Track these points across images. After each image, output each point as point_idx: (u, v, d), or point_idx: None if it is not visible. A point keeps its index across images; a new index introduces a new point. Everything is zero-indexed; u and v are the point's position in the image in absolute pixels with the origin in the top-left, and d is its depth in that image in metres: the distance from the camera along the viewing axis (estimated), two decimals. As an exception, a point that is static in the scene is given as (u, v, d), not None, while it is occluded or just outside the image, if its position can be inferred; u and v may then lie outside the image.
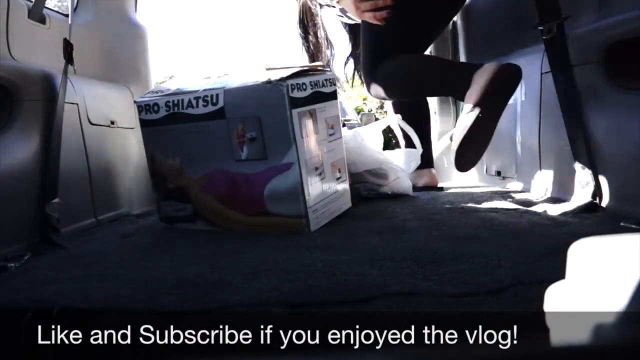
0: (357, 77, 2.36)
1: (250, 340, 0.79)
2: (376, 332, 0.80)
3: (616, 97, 1.45)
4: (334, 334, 0.80)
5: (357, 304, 0.82)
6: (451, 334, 0.79)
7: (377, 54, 1.88)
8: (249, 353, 0.78)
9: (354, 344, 0.78)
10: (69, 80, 1.68)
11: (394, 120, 2.18)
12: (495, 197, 1.87)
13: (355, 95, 10.17)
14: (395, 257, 1.04)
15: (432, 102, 3.18)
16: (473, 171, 2.54)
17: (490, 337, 0.78)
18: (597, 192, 1.46)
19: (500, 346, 0.30)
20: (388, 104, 4.30)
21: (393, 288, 0.85)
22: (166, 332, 0.80)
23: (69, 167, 1.60)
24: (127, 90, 2.27)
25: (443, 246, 1.11)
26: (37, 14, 1.78)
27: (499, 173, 2.25)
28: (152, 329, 0.81)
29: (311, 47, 2.23)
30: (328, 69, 1.78)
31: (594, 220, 1.31)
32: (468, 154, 1.75)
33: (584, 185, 1.49)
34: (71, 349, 0.81)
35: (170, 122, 1.38)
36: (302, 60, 2.26)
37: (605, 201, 1.45)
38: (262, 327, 0.80)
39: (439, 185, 2.28)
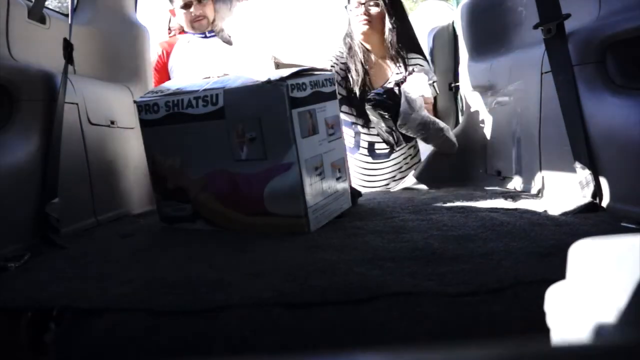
0: None
1: (250, 340, 0.79)
2: (376, 332, 0.80)
3: (616, 97, 1.45)
4: (334, 334, 0.80)
5: (357, 304, 0.82)
6: (451, 334, 0.78)
7: None
8: (249, 353, 0.78)
9: (354, 344, 0.78)
10: (69, 80, 1.68)
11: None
12: (495, 197, 1.87)
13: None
14: (396, 257, 1.04)
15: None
16: (473, 171, 2.54)
17: (490, 337, 0.78)
18: (597, 192, 1.45)
19: (501, 346, 0.30)
20: None
21: (393, 288, 0.85)
22: (166, 332, 0.80)
23: (69, 167, 1.60)
24: (127, 90, 2.27)
25: (443, 246, 1.11)
26: (37, 14, 1.78)
27: (499, 173, 2.25)
28: (152, 329, 0.80)
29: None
30: (328, 69, 1.78)
31: (594, 220, 1.31)
32: None
33: (584, 185, 1.49)
34: (71, 348, 0.81)
35: (170, 122, 1.37)
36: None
37: (605, 201, 1.45)
38: (262, 327, 0.80)
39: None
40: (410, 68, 2.19)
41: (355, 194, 1.86)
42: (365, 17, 2.22)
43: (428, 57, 2.64)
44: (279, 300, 0.83)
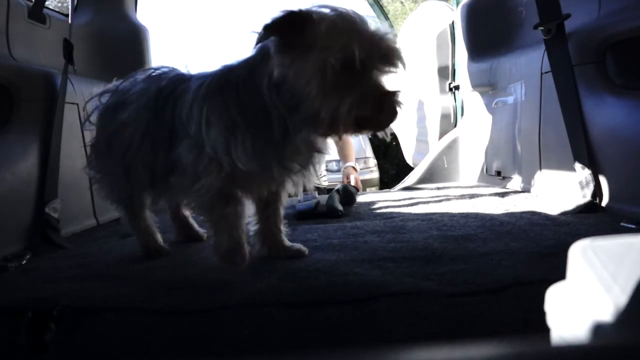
0: None
1: (250, 340, 0.79)
2: (376, 332, 0.80)
3: (616, 97, 1.45)
4: (334, 334, 0.80)
5: (357, 304, 0.82)
6: (451, 334, 0.78)
7: None
8: (249, 353, 0.78)
9: (354, 343, 0.78)
10: (69, 80, 1.68)
11: None
12: (495, 197, 1.87)
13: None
14: (395, 257, 1.04)
15: (433, 101, 3.18)
16: (473, 171, 2.54)
17: (490, 337, 0.78)
18: (597, 192, 1.45)
19: (501, 346, 0.30)
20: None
21: (393, 288, 0.84)
22: (166, 332, 0.80)
23: (69, 167, 1.60)
24: (127, 90, 2.27)
25: (443, 246, 1.11)
26: (37, 14, 1.78)
27: (499, 173, 2.25)
28: (152, 329, 0.80)
29: None
30: None
31: (594, 220, 1.31)
32: None
33: (584, 185, 1.49)
34: (71, 348, 0.81)
35: None
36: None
37: (605, 201, 1.45)
38: (262, 327, 0.80)
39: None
40: None
41: (354, 191, 1.88)
42: None
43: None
44: (279, 300, 0.83)
